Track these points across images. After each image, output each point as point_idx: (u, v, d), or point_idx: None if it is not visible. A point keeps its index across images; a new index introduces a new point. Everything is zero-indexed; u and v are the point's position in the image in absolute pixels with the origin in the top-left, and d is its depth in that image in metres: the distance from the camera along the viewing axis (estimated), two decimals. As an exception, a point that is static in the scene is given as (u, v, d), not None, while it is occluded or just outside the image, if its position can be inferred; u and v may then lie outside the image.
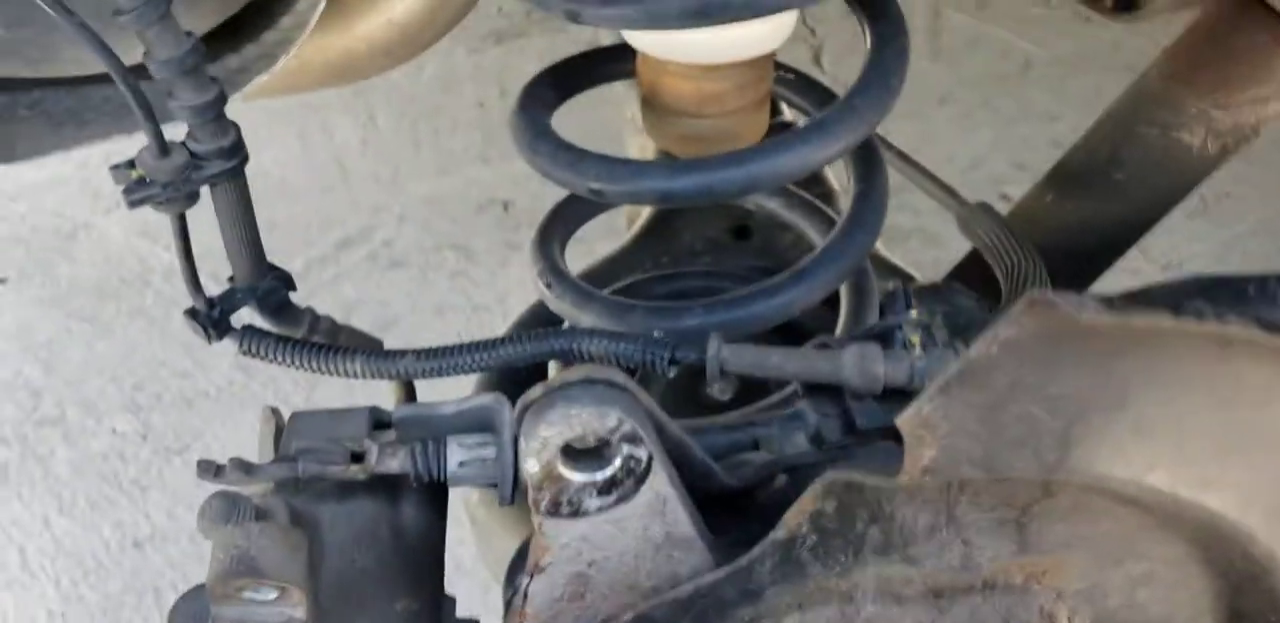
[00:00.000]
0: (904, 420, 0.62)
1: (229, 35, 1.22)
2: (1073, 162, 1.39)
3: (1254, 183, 2.44)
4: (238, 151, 0.95)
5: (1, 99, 1.12)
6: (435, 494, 0.95)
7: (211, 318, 1.02)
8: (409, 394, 1.18)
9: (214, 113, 0.92)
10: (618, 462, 0.69)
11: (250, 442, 2.32)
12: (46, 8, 0.82)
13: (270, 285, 1.04)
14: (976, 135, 2.58)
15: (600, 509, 0.71)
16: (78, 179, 2.75)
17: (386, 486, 0.93)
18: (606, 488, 0.71)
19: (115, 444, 2.33)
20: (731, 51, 1.04)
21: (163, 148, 0.92)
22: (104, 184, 2.82)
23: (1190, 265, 2.35)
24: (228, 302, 1.04)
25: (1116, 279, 2.32)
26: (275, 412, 1.01)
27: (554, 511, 0.71)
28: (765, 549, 0.74)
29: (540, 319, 1.42)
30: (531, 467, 0.69)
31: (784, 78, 1.22)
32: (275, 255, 2.72)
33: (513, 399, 1.38)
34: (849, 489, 0.70)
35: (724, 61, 1.04)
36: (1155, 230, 2.37)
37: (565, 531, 0.73)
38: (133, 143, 1.00)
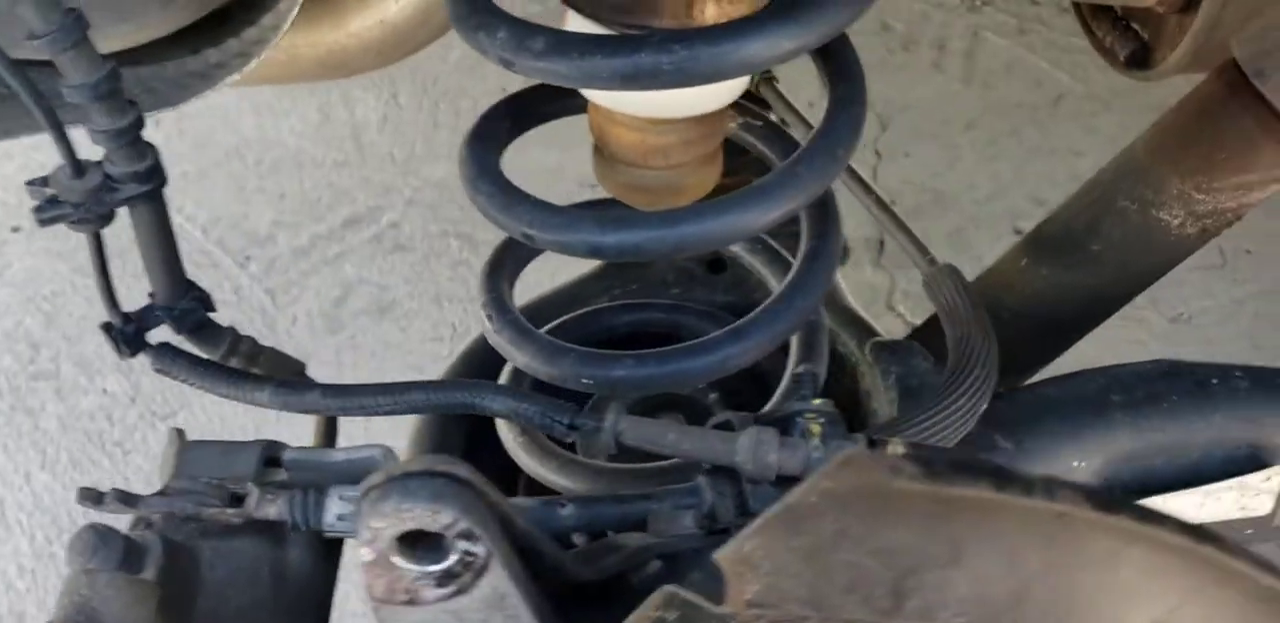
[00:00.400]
0: (723, 556, 0.60)
1: (210, 29, 1.21)
2: (1051, 228, 1.36)
3: (1278, 242, 2.38)
4: (154, 175, 0.94)
5: None
6: (326, 540, 0.94)
7: (126, 334, 1.02)
8: (329, 424, 1.17)
9: (130, 138, 0.91)
10: (454, 557, 0.68)
11: (231, 415, 2.33)
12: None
13: (189, 305, 1.03)
14: (998, 165, 2.53)
15: (437, 600, 0.70)
16: (99, 134, 2.76)
17: (273, 526, 0.92)
18: (443, 580, 0.69)
19: (104, 404, 2.35)
20: (677, 108, 1.01)
21: (77, 169, 0.91)
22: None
23: (1199, 320, 2.30)
24: (145, 319, 1.03)
25: (1124, 328, 2.29)
26: (180, 434, 1.00)
27: (389, 598, 0.70)
28: (606, 650, 0.73)
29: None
30: (365, 555, 0.68)
31: (751, 125, 1.19)
32: (282, 228, 2.73)
33: (453, 438, 1.40)
34: (689, 602, 0.69)
35: (669, 117, 1.02)
36: (1168, 280, 2.33)
37: (402, 617, 0.71)
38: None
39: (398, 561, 0.68)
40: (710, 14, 0.96)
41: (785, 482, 0.87)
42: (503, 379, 1.33)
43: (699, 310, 1.43)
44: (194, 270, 2.58)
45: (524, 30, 0.94)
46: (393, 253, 2.52)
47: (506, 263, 1.24)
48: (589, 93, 1.04)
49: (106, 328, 1.03)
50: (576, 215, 1.01)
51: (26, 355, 2.39)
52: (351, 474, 0.89)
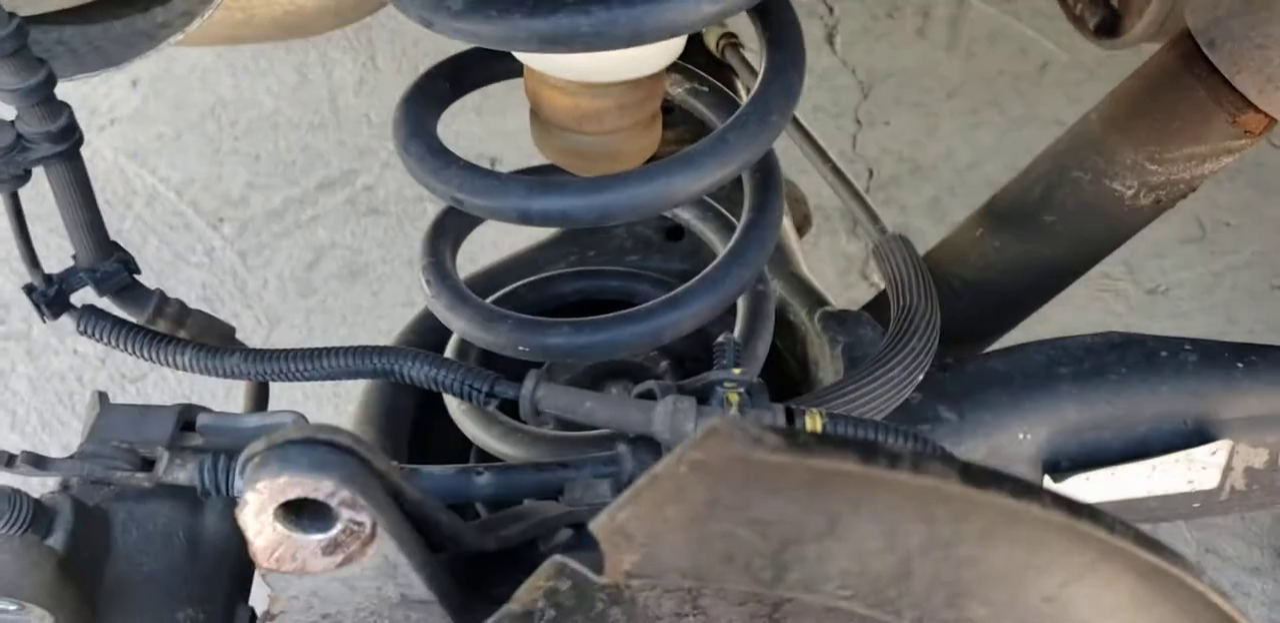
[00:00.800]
0: (597, 525, 0.59)
1: None
2: (1005, 198, 1.34)
3: (1258, 214, 2.36)
4: (69, 134, 0.92)
5: None
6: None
7: (47, 296, 1.00)
8: (260, 389, 1.16)
9: (41, 96, 0.89)
10: (339, 525, 0.67)
11: (201, 379, 2.31)
12: None
13: (111, 267, 1.01)
14: (979, 134, 2.50)
15: (326, 568, 0.69)
16: (77, 95, 2.73)
17: (188, 492, 0.91)
18: (331, 548, 0.68)
19: (75, 365, 2.33)
20: (610, 71, 0.99)
21: (-15, 128, 0.90)
22: (101, 102, 2.81)
23: (1176, 292, 2.28)
24: (67, 281, 1.01)
25: (1100, 300, 2.27)
26: (103, 397, 0.99)
27: (277, 566, 0.69)
28: (501, 621, 0.72)
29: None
30: (248, 523, 0.66)
31: (697, 90, 1.17)
32: (256, 190, 2.70)
33: (402, 404, 1.38)
34: (579, 572, 0.68)
35: (602, 81, 1.00)
36: (1147, 252, 2.31)
37: (292, 584, 0.70)
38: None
39: (282, 528, 0.67)
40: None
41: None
42: (450, 347, 1.32)
43: (653, 278, 1.41)
44: (166, 232, 2.56)
45: (443, -9, 0.92)
46: (366, 216, 2.50)
47: (448, 228, 1.22)
48: (521, 55, 1.02)
49: (29, 290, 1.01)
50: (506, 180, 0.99)
51: (-3, 316, 2.39)
52: (264, 439, 0.87)
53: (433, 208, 2.49)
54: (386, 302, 2.35)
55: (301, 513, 0.68)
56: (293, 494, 0.65)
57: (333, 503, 0.66)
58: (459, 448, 1.37)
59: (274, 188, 2.55)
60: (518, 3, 0.90)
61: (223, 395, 2.19)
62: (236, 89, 2.73)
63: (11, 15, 0.84)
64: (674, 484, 0.56)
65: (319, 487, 0.65)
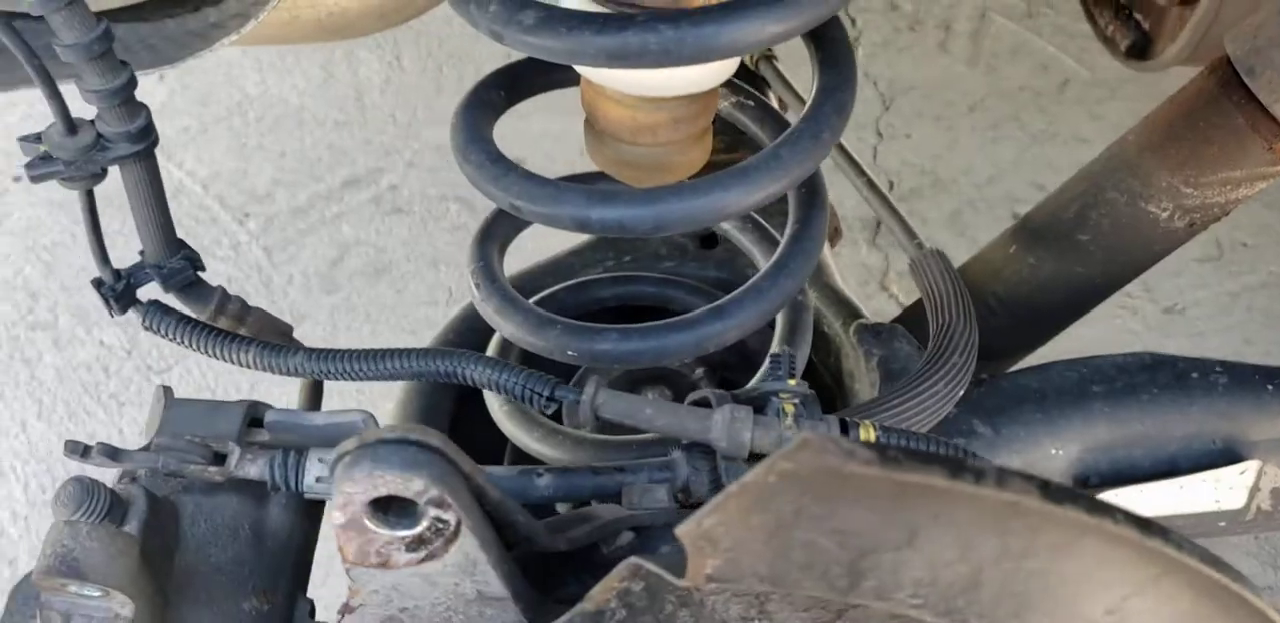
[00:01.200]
0: (684, 531, 0.61)
1: None
2: (1040, 216, 1.36)
3: (1275, 236, 2.39)
4: (147, 135, 0.95)
5: None
6: (307, 500, 0.95)
7: (115, 290, 1.03)
8: (315, 386, 1.18)
9: (123, 97, 0.91)
10: (424, 522, 0.69)
11: (226, 371, 2.33)
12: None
13: (178, 264, 1.04)
14: (1000, 149, 2.53)
15: (409, 563, 0.72)
16: (104, 85, 2.76)
17: (254, 485, 0.93)
18: (415, 545, 0.71)
19: (101, 356, 2.36)
20: (668, 87, 1.02)
21: (70, 126, 0.92)
22: (129, 93, 2.84)
23: (1193, 312, 2.31)
24: (134, 277, 1.04)
25: (1118, 317, 2.30)
26: (167, 391, 1.01)
27: (361, 560, 0.71)
28: (573, 620, 0.74)
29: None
30: (337, 518, 0.69)
31: (744, 104, 1.20)
32: (281, 187, 2.73)
33: (442, 403, 1.41)
34: (654, 574, 0.70)
35: (659, 95, 1.03)
36: (1164, 271, 2.33)
37: (374, 579, 0.73)
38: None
39: (370, 524, 0.70)
40: (700, -6, 0.97)
41: (758, 459, 0.88)
42: (491, 347, 1.35)
43: (688, 285, 1.44)
44: (193, 225, 2.57)
45: (515, 4, 0.95)
46: (391, 215, 2.53)
47: (498, 231, 1.25)
48: (581, 68, 1.05)
49: (97, 285, 1.04)
50: (564, 189, 1.02)
51: (25, 305, 2.41)
52: (332, 437, 0.90)
53: (455, 208, 2.54)
54: (410, 300, 2.37)
55: (388, 510, 0.70)
56: (384, 491, 0.68)
57: (421, 501, 0.68)
58: (494, 448, 1.40)
59: (299, 185, 2.58)
60: (587, 20, 0.92)
61: (247, 388, 2.22)
62: (263, 85, 2.75)
63: (99, 18, 0.87)
64: (762, 493, 0.59)
65: (409, 485, 0.67)
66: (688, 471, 0.91)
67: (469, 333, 1.45)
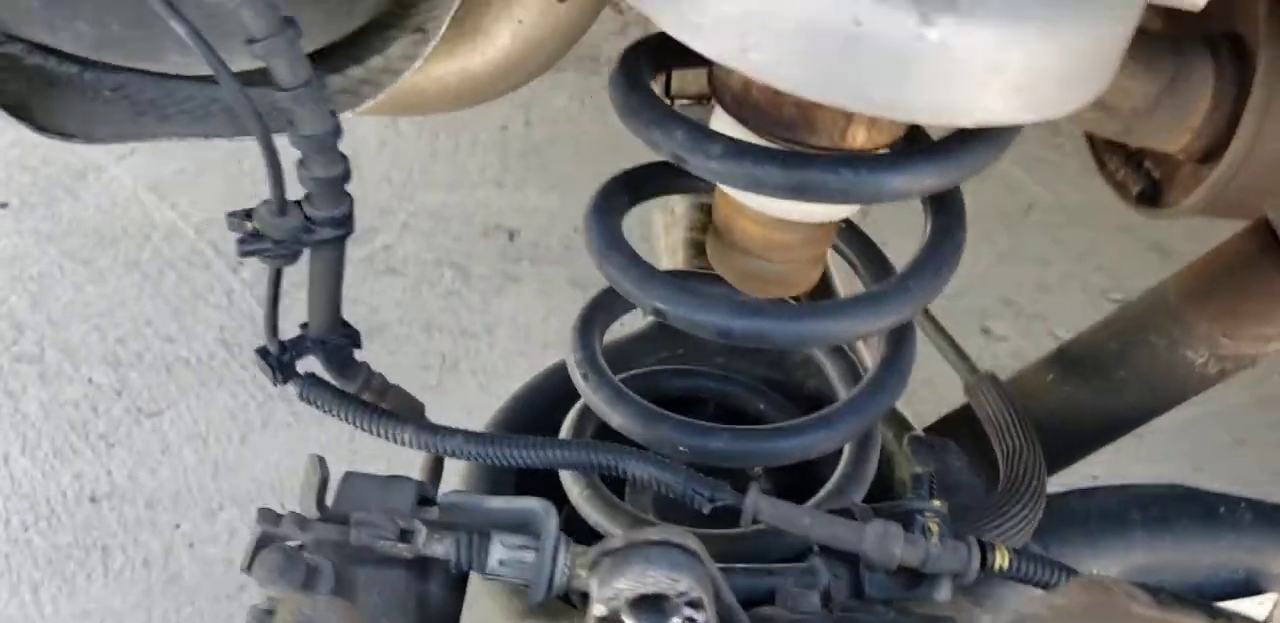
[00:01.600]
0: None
1: (349, 49, 1.23)
2: (1080, 349, 1.49)
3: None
4: (347, 222, 1.01)
5: (89, 76, 1.11)
6: (461, 576, 1.01)
7: (280, 360, 1.08)
8: (436, 463, 1.24)
9: (330, 143, 0.95)
10: (676, 620, 0.76)
11: (219, 420, 2.33)
12: (206, 60, 0.82)
13: (340, 340, 1.10)
14: (967, 266, 2.67)
15: (651, 655, 0.78)
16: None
17: (422, 560, 0.99)
18: (661, 639, 0.78)
19: (89, 394, 2.34)
20: (808, 214, 1.12)
21: (282, 208, 0.98)
22: (124, 130, 2.85)
23: (1148, 437, 2.44)
24: (298, 348, 1.09)
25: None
26: (321, 461, 1.07)
27: (610, 650, 0.78)
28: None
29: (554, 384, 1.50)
30: (598, 610, 0.76)
31: (843, 232, 1.31)
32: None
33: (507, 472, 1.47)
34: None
35: (798, 220, 1.12)
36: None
37: (616, 668, 0.79)
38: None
39: (627, 620, 0.77)
40: (860, 139, 1.07)
41: (902, 572, 0.97)
42: (565, 428, 1.41)
43: (746, 383, 1.53)
44: (186, 269, 2.58)
45: (701, 134, 1.03)
46: (384, 275, 2.57)
47: (597, 318, 1.32)
48: (725, 187, 1.14)
49: (263, 353, 1.09)
50: (708, 297, 1.11)
51: (10, 336, 2.39)
52: (510, 522, 0.96)
53: (450, 273, 2.60)
54: (403, 362, 2.42)
55: (640, 606, 0.77)
56: (650, 589, 0.75)
57: (680, 601, 0.76)
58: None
59: (295, 237, 2.61)
60: (770, 156, 1.02)
61: (238, 438, 2.24)
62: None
63: (312, 61, 0.87)
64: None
65: (675, 585, 0.75)
66: (828, 577, 1.00)
67: (532, 410, 1.52)
